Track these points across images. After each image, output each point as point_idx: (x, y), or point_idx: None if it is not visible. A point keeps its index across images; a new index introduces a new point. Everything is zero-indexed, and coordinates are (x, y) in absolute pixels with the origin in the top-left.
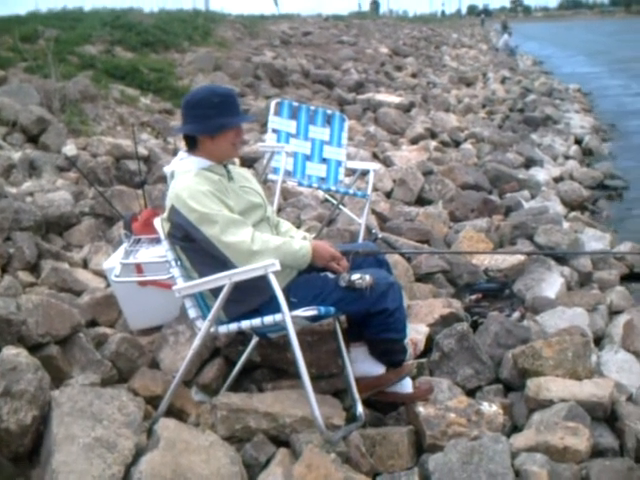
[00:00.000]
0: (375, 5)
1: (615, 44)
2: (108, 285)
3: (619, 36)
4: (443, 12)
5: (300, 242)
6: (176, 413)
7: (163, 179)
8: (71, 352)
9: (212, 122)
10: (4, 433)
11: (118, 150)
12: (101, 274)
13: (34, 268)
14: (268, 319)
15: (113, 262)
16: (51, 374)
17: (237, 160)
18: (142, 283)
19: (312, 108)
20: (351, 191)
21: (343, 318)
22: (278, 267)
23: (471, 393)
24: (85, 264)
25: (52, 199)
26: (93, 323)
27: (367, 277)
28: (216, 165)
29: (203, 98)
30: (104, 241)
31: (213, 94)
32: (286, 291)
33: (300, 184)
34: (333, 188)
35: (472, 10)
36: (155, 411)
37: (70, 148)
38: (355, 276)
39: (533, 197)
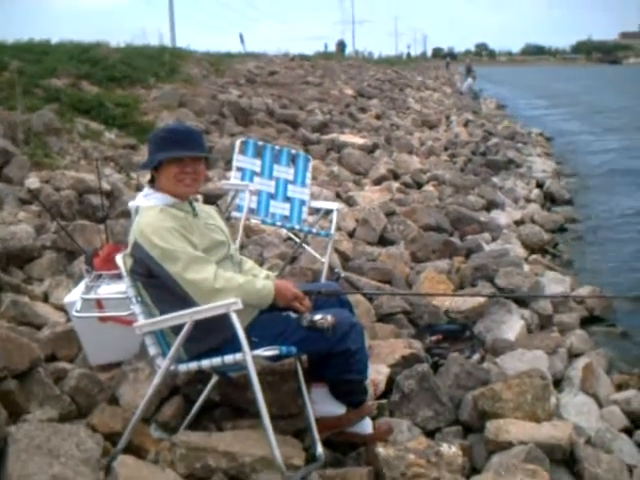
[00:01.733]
0: (341, 46)
1: (576, 89)
2: (68, 320)
3: (580, 82)
4: (409, 54)
5: (263, 281)
6: (135, 450)
7: (125, 214)
8: (29, 387)
9: (151, 157)
10: None
11: (81, 184)
12: (62, 308)
13: None
14: (229, 358)
15: (74, 297)
16: (8, 409)
17: (199, 197)
18: (103, 319)
19: (277, 148)
20: (314, 230)
21: (304, 358)
22: (240, 306)
23: (431, 434)
24: (46, 298)
25: (14, 232)
26: (53, 358)
27: (329, 317)
28: (180, 202)
29: (154, 134)
30: (65, 275)
31: (162, 130)
32: (248, 330)
33: (264, 222)
34: (297, 227)
35: (437, 53)
36: (114, 447)
37: (33, 181)
38: (317, 316)
39: (494, 239)
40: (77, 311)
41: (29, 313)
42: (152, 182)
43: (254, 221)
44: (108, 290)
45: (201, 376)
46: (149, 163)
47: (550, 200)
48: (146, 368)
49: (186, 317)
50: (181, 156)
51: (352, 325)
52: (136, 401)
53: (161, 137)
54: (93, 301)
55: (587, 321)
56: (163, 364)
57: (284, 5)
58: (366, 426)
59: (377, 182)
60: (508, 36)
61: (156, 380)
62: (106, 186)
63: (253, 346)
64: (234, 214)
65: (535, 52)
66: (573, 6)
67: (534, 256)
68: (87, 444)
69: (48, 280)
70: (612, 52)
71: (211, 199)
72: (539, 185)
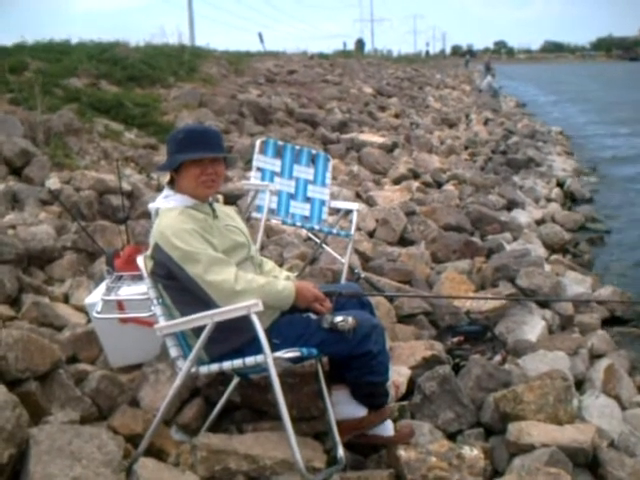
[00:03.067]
0: (360, 44)
1: (596, 87)
2: (89, 321)
3: (600, 79)
4: (427, 52)
5: (283, 282)
6: (155, 452)
7: (146, 215)
8: (51, 388)
9: (171, 158)
10: None
11: (101, 185)
12: (82, 309)
13: (14, 302)
14: (250, 360)
15: (95, 298)
16: (29, 411)
17: (220, 197)
18: (123, 320)
19: (297, 147)
20: (334, 230)
21: (325, 359)
22: (261, 307)
23: (452, 437)
24: (66, 299)
25: (34, 233)
26: (73, 359)
27: (350, 319)
28: (200, 203)
29: (172, 135)
30: (85, 276)
31: (181, 131)
32: (268, 332)
33: (284, 222)
34: (317, 227)
35: (456, 51)
36: (135, 450)
37: (53, 181)
38: (338, 318)
39: (515, 239)
40: (98, 312)
41: (50, 314)
42: (171, 183)
43: (274, 221)
44: (129, 291)
45: (222, 378)
46: (168, 165)
47: (570, 199)
48: (167, 370)
49: (207, 319)
50: (201, 157)
51: (373, 327)
52: (157, 403)
53: (180, 138)
54: (114, 302)
55: (608, 322)
56: (184, 366)
57: (303, 4)
58: (387, 428)
59: (397, 181)
60: (527, 33)
61: (177, 382)
62: (126, 186)
63: (274, 348)
64: (254, 214)
65: (554, 49)
66: (592, 2)
67: (555, 256)
68: (108, 446)
69: (69, 281)
70: (632, 48)
71: (231, 199)
72: (559, 184)
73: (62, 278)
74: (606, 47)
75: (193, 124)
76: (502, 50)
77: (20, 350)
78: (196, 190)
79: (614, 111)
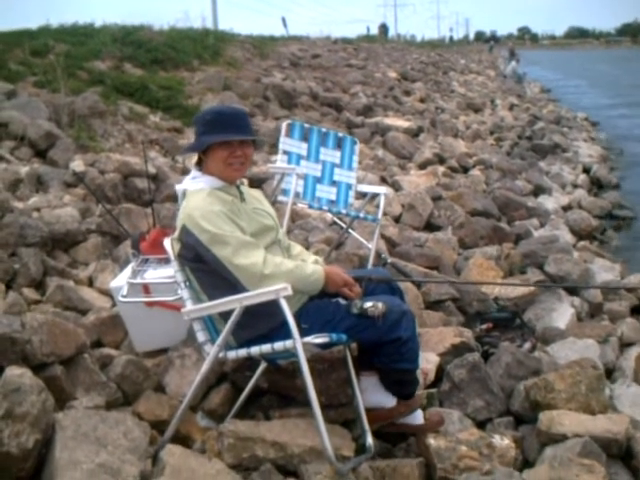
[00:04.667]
0: (384, 29)
1: (621, 73)
2: (114, 304)
3: (625, 65)
4: (451, 38)
5: (313, 266)
6: (182, 439)
7: (171, 198)
8: (75, 373)
9: (199, 139)
10: (5, 457)
11: (126, 167)
12: (107, 293)
13: (39, 285)
14: (278, 345)
15: (120, 281)
16: (54, 395)
17: (245, 180)
18: (149, 304)
19: (323, 130)
20: (361, 215)
21: (354, 346)
22: (290, 292)
23: (481, 425)
24: (91, 282)
25: (59, 215)
26: (98, 343)
27: (380, 305)
28: (228, 185)
29: (199, 116)
30: (110, 259)
31: (208, 112)
32: (297, 317)
33: (310, 206)
34: (343, 211)
35: (480, 36)
36: (160, 436)
37: (78, 164)
38: (368, 304)
39: (542, 225)
40: (123, 296)
41: (74, 298)
42: (199, 165)
43: (300, 205)
44: (155, 275)
45: (249, 363)
46: (197, 146)
47: (597, 185)
48: (193, 354)
49: (235, 303)
50: (230, 140)
51: (403, 313)
52: (183, 389)
53: (208, 119)
54: (140, 286)
55: (637, 310)
56: (212, 351)
57: None
58: (417, 417)
59: (422, 166)
60: (551, 19)
61: (204, 367)
62: (151, 169)
63: (303, 333)
64: (280, 198)
65: (579, 35)
66: None
67: (582, 242)
68: (134, 433)
69: (93, 264)
70: None
71: (256, 183)
72: (585, 170)
73: (86, 261)
74: (632, 32)
75: (221, 105)
76: (526, 36)
77: (45, 334)
78: (224, 173)
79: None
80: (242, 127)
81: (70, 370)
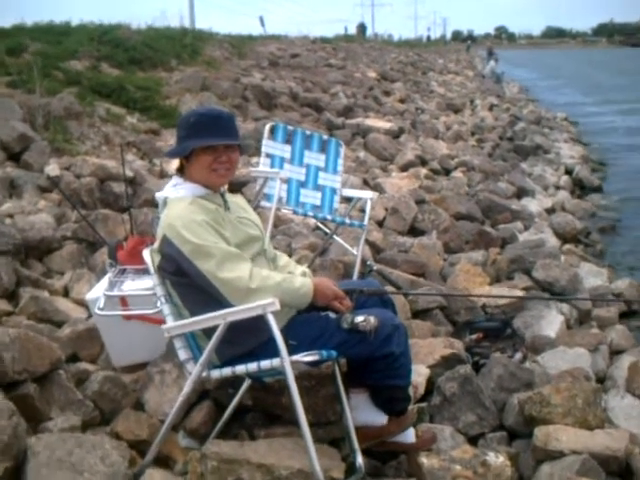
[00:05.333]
0: (362, 28)
1: (599, 73)
2: (90, 316)
3: (601, 65)
4: (429, 37)
5: (301, 279)
6: (162, 459)
7: (149, 203)
8: (50, 390)
9: (182, 143)
10: None
11: (103, 171)
12: (83, 304)
13: (12, 296)
14: (265, 364)
15: (96, 293)
16: (27, 415)
17: (225, 186)
18: (127, 317)
19: (307, 133)
20: (347, 221)
21: (343, 361)
22: (278, 307)
23: (474, 440)
24: (66, 292)
25: (33, 222)
26: (74, 358)
27: (372, 319)
28: (212, 193)
29: (183, 118)
30: (86, 268)
31: (192, 114)
32: (284, 332)
33: (295, 212)
34: (329, 217)
35: (457, 36)
36: (139, 456)
37: (53, 168)
38: (359, 318)
39: (526, 228)
40: (100, 309)
41: (49, 309)
42: (181, 171)
43: (284, 211)
44: (133, 286)
45: (232, 379)
46: (180, 150)
47: (579, 187)
48: (173, 370)
49: (219, 319)
50: (215, 144)
51: (395, 327)
52: (162, 406)
53: (192, 122)
54: (117, 298)
55: (626, 315)
56: (194, 371)
57: None
58: (408, 434)
59: (404, 168)
60: (528, 19)
61: (187, 389)
62: (129, 173)
63: (291, 350)
64: (263, 203)
65: (556, 35)
66: None
67: (567, 246)
68: (112, 457)
69: (69, 273)
70: (634, 34)
71: (236, 187)
72: (568, 171)
73: (62, 270)
74: (608, 33)
75: (205, 107)
76: (503, 35)
77: (17, 350)
78: (208, 179)
79: (616, 96)
80: (228, 130)
81: (44, 388)
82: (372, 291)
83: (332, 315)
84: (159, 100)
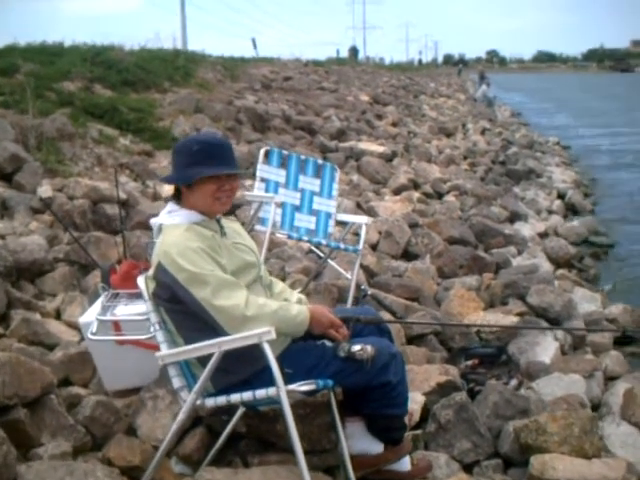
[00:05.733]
0: (354, 52)
1: (589, 97)
2: (82, 339)
3: (592, 90)
4: (420, 61)
5: (297, 307)
6: None
7: (142, 225)
8: (41, 416)
9: (186, 171)
10: None
11: (96, 193)
12: (75, 326)
13: (3, 318)
14: (261, 393)
15: (89, 317)
16: (17, 441)
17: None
18: (120, 341)
19: (302, 157)
20: (342, 246)
21: (339, 389)
22: (274, 335)
23: (468, 468)
24: (58, 315)
25: (25, 243)
26: (66, 381)
27: (369, 348)
28: (208, 219)
29: (184, 145)
30: (78, 291)
31: (194, 141)
32: (280, 360)
33: (290, 237)
34: (324, 242)
35: (448, 59)
36: None
37: (45, 189)
38: (356, 347)
39: (519, 253)
40: (93, 333)
41: (41, 332)
42: (176, 197)
43: (279, 235)
44: (126, 311)
45: (226, 406)
46: (187, 178)
47: (572, 211)
48: (166, 396)
49: (214, 347)
50: (222, 173)
51: (393, 356)
52: (155, 432)
53: (195, 150)
54: (110, 323)
55: (620, 341)
56: (189, 399)
57: (295, 10)
58: (404, 462)
59: (397, 192)
60: (519, 43)
61: (181, 416)
62: (122, 195)
63: (287, 379)
64: (258, 227)
65: (546, 59)
66: (585, 14)
67: (561, 271)
68: None
69: (61, 295)
70: (624, 60)
71: (229, 209)
72: (560, 196)
73: (54, 292)
74: (598, 58)
75: (204, 134)
76: (494, 59)
77: (7, 374)
78: (212, 207)
79: (605, 120)
80: (230, 159)
81: (35, 413)
82: (369, 319)
83: (328, 343)
84: (152, 122)
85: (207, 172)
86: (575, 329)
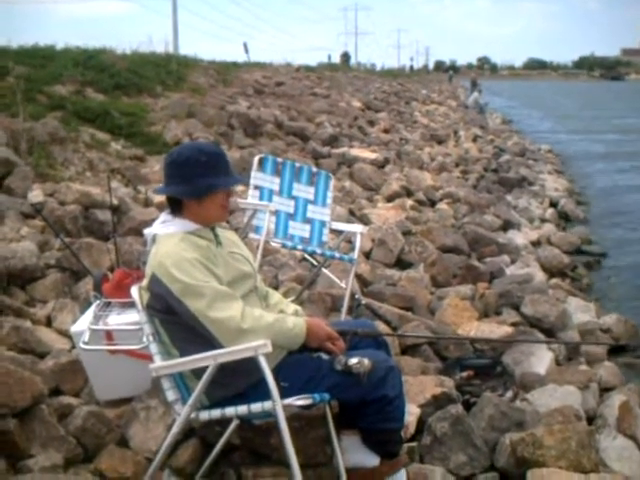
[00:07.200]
0: (346, 57)
1: (580, 106)
2: (73, 347)
3: (582, 98)
4: (412, 67)
5: (294, 319)
6: None
7: (134, 231)
8: (31, 426)
9: (199, 183)
10: None
11: (87, 198)
12: (66, 334)
13: None
14: (256, 407)
15: (81, 326)
16: (7, 452)
17: None
18: (112, 351)
19: (297, 165)
20: (337, 254)
21: (334, 402)
22: (270, 349)
23: None
24: (49, 322)
25: (15, 249)
26: (56, 391)
27: (366, 362)
28: (203, 229)
29: (190, 157)
30: (70, 297)
31: (201, 152)
32: (275, 373)
33: (284, 245)
34: (318, 251)
35: (439, 66)
36: None
37: (36, 194)
38: (353, 360)
39: (513, 262)
40: (85, 343)
41: (31, 340)
42: (175, 209)
43: (274, 244)
44: (118, 320)
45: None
46: (205, 190)
47: (565, 219)
48: (159, 407)
49: (209, 360)
50: (240, 183)
51: (390, 369)
52: (148, 443)
53: (205, 161)
54: (102, 332)
55: (613, 351)
56: (183, 412)
57: (287, 16)
58: (400, 477)
59: (390, 199)
60: (511, 50)
61: (175, 430)
62: (113, 200)
63: (282, 392)
64: (251, 235)
65: (537, 66)
66: (576, 22)
67: (554, 280)
68: None
69: (52, 302)
70: (614, 68)
71: None
72: (553, 204)
73: (45, 299)
74: (588, 66)
75: (203, 144)
76: (485, 66)
77: None
78: (222, 216)
79: (594, 126)
80: (230, 167)
81: (25, 423)
82: (366, 332)
83: (324, 356)
84: (144, 126)
85: (228, 183)
86: (573, 343)
